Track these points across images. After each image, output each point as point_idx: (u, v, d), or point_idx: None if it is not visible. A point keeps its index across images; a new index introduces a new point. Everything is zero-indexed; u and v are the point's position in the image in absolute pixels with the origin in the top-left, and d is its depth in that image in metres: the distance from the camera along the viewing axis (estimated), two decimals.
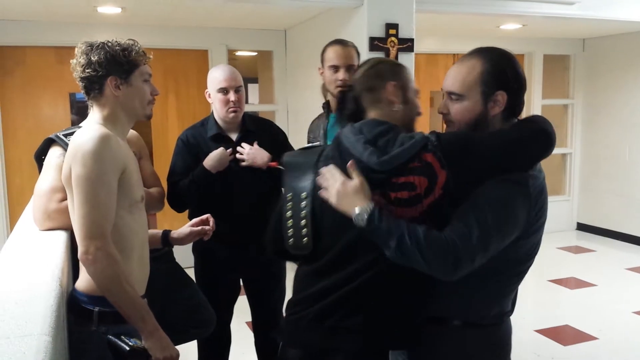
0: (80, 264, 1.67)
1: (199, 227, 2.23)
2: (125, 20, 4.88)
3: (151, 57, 1.87)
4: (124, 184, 1.70)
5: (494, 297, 1.70)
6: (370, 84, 1.72)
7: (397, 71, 1.76)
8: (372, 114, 1.71)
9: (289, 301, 1.78)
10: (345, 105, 1.76)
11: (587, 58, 7.05)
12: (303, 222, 1.64)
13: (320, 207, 1.63)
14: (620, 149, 6.65)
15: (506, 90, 1.61)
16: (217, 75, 2.66)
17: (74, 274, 1.86)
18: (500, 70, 1.63)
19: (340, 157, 1.62)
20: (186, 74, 5.54)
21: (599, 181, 6.93)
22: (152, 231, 2.15)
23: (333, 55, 2.59)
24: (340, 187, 1.55)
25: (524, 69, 6.43)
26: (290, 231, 1.66)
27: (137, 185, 1.78)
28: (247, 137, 2.73)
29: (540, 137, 1.61)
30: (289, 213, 1.67)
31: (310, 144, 1.77)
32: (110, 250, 1.61)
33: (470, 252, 1.47)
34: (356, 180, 1.55)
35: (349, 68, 2.54)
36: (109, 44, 1.76)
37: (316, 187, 1.62)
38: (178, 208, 2.76)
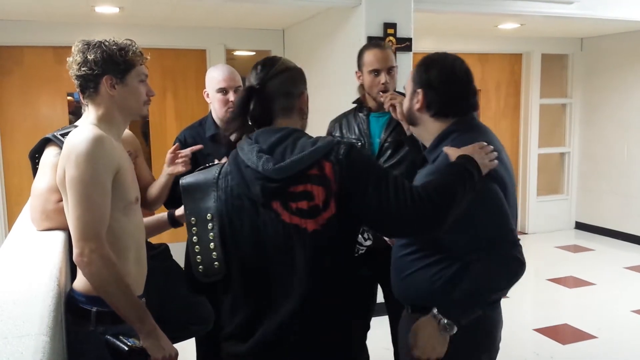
0: None
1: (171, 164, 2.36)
2: (123, 20, 4.87)
3: (148, 57, 1.87)
4: (118, 185, 1.68)
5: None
6: (286, 89, 1.57)
7: (305, 79, 1.65)
8: (280, 122, 1.56)
9: (223, 334, 1.61)
10: (246, 108, 1.56)
11: (585, 57, 7.05)
12: (212, 245, 1.51)
13: (231, 226, 1.50)
14: (619, 148, 6.66)
15: (425, 88, 1.78)
16: (215, 75, 2.64)
17: (72, 274, 1.85)
18: (423, 71, 1.80)
19: (238, 171, 1.51)
20: (184, 74, 5.53)
21: (597, 180, 6.94)
22: (156, 216, 2.17)
23: (373, 58, 2.60)
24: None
25: (521, 68, 6.37)
26: (198, 257, 1.52)
27: (131, 186, 1.77)
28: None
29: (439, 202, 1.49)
30: (194, 238, 1.53)
31: (204, 166, 1.66)
32: (105, 252, 1.60)
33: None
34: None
35: (390, 70, 2.59)
36: (106, 43, 1.76)
37: (225, 205, 1.51)
38: (174, 208, 2.74)
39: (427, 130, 1.83)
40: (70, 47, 1.79)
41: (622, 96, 6.59)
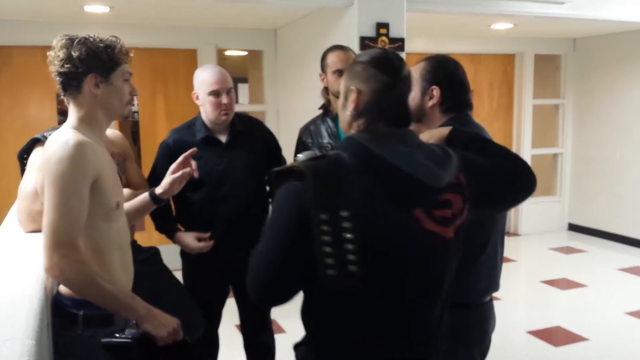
0: None
1: (179, 173, 2.14)
2: (113, 20, 4.82)
3: (132, 54, 1.82)
4: (97, 192, 1.63)
5: (465, 277, 1.76)
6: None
7: None
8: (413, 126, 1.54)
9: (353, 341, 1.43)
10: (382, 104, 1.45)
11: (578, 58, 7.05)
12: (349, 246, 1.31)
13: (367, 229, 1.33)
14: (612, 149, 6.65)
15: (441, 86, 1.89)
16: (206, 77, 2.59)
17: None
18: (435, 70, 1.91)
19: (376, 170, 1.36)
20: (175, 74, 5.48)
21: (590, 181, 6.94)
22: (138, 199, 2.13)
23: (336, 59, 2.66)
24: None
25: (514, 69, 6.41)
26: (329, 260, 1.31)
27: (112, 192, 1.71)
28: (237, 138, 2.68)
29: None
30: (325, 237, 1.32)
31: (310, 152, 1.47)
32: (76, 256, 1.54)
33: None
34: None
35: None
36: (91, 39, 1.69)
37: (362, 205, 1.33)
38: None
39: (433, 125, 1.91)
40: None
41: (615, 97, 6.58)
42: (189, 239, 2.64)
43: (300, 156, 1.43)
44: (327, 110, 2.74)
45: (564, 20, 5.27)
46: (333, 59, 2.68)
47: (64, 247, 1.52)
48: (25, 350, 1.25)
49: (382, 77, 1.42)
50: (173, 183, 2.13)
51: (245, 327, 2.94)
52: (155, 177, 2.63)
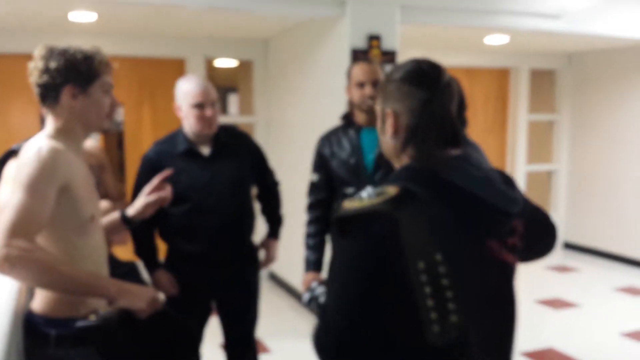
0: None
1: (154, 196, 2.07)
2: (99, 29, 4.72)
3: (115, 66, 1.78)
4: (68, 202, 1.60)
5: None
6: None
7: None
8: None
9: None
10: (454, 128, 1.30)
11: (573, 73, 6.99)
12: (449, 293, 1.15)
13: (455, 270, 1.18)
14: (608, 165, 6.57)
15: None
16: (190, 89, 2.51)
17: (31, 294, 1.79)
18: None
19: (452, 199, 1.20)
20: (162, 84, 5.36)
21: (586, 198, 6.84)
22: (109, 217, 2.07)
23: (359, 72, 2.58)
24: None
25: (508, 84, 6.35)
26: (433, 315, 1.14)
27: (86, 204, 1.67)
28: (220, 150, 2.60)
29: None
30: (427, 289, 1.14)
31: (371, 190, 1.22)
32: (23, 246, 1.45)
33: None
34: None
35: (375, 83, 2.53)
36: (71, 50, 1.67)
37: (447, 243, 1.18)
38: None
39: None
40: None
41: (611, 112, 6.51)
42: (167, 281, 2.60)
43: (365, 195, 1.20)
44: (351, 122, 2.64)
45: (559, 35, 5.20)
46: (356, 71, 2.59)
47: (17, 241, 1.45)
48: None
49: (418, 93, 1.26)
50: (146, 206, 2.07)
51: (229, 346, 2.83)
52: (138, 191, 2.54)
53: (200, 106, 2.48)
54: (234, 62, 5.92)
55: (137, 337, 1.65)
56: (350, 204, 1.20)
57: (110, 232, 2.07)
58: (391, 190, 1.17)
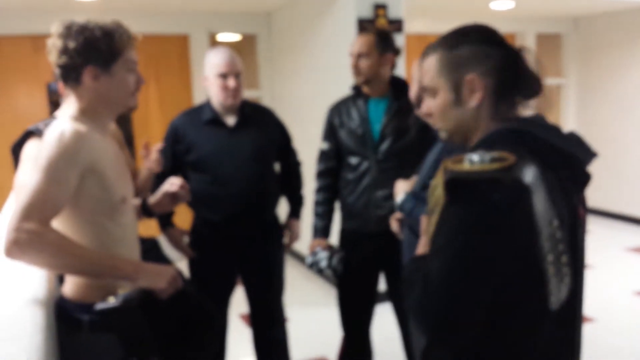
0: None
1: (175, 187, 2.08)
2: (102, 7, 4.70)
3: (139, 39, 1.68)
4: (95, 185, 1.55)
5: None
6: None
7: None
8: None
9: None
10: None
11: (579, 37, 6.93)
12: (564, 258, 1.13)
13: (564, 238, 1.15)
14: (615, 129, 6.55)
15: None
16: (216, 60, 2.54)
17: (61, 278, 1.76)
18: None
19: (554, 167, 1.16)
20: (167, 61, 5.38)
21: (595, 161, 6.80)
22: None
23: (355, 43, 2.59)
24: None
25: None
26: (554, 280, 1.12)
27: (116, 185, 1.61)
28: (244, 123, 2.63)
29: None
30: (550, 257, 1.11)
31: (481, 154, 1.12)
32: (34, 229, 1.40)
33: None
34: None
35: (358, 56, 2.55)
36: (89, 27, 1.57)
37: (557, 212, 1.13)
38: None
39: None
40: (49, 37, 1.62)
41: (617, 76, 6.47)
42: (179, 236, 2.63)
43: (476, 159, 1.10)
44: (360, 92, 2.65)
45: None
46: (354, 43, 2.61)
47: (28, 224, 1.40)
48: (33, 347, 1.24)
49: (495, 50, 1.22)
50: (164, 197, 2.08)
51: (256, 321, 2.82)
52: (164, 159, 2.62)
53: (224, 76, 2.51)
54: (237, 36, 5.89)
55: (158, 317, 1.59)
56: (460, 166, 1.10)
57: None
58: (509, 156, 1.09)
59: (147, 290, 1.55)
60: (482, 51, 1.22)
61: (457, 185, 1.10)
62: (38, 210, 1.43)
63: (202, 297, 1.86)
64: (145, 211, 2.09)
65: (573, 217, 1.18)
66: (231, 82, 2.51)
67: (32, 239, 1.40)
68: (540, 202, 1.08)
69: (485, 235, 1.07)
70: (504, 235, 1.07)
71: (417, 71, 2.15)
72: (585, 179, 1.22)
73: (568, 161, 1.17)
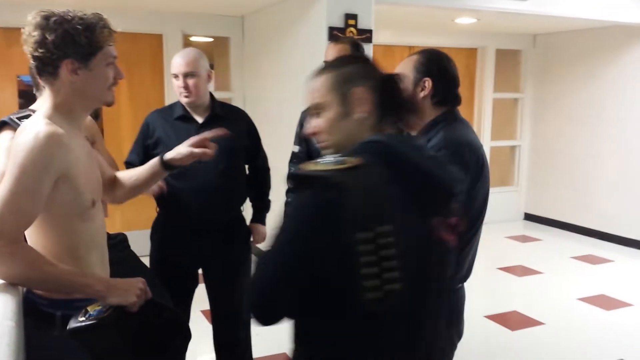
0: None
1: (200, 150, 1.95)
2: (76, 3, 4.70)
3: (118, 30, 1.62)
4: (68, 189, 1.51)
5: (467, 261, 1.94)
6: None
7: None
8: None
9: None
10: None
11: (537, 53, 7.25)
12: (392, 263, 1.19)
13: (400, 242, 1.21)
14: (567, 142, 6.88)
15: (433, 78, 1.92)
16: (173, 61, 2.67)
17: None
18: (429, 62, 1.95)
19: (404, 175, 1.24)
20: (140, 59, 5.41)
21: (546, 173, 7.17)
22: (147, 167, 1.97)
23: (327, 52, 2.73)
24: None
25: (476, 63, 6.54)
26: (372, 282, 1.18)
27: (86, 189, 1.57)
28: (213, 120, 2.67)
29: None
30: (371, 258, 1.17)
31: (332, 157, 1.26)
32: (11, 249, 1.41)
33: None
34: None
35: None
36: (69, 18, 1.49)
37: (395, 217, 1.21)
38: None
39: (422, 117, 1.96)
40: (21, 29, 1.53)
41: (572, 92, 6.80)
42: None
43: (324, 161, 1.24)
44: None
45: (525, 16, 5.41)
46: (327, 52, 2.75)
47: (3, 239, 1.39)
48: (5, 331, 1.22)
49: (377, 71, 1.37)
50: (190, 155, 1.95)
51: (217, 318, 2.84)
52: (133, 151, 2.75)
53: (175, 76, 2.63)
54: (210, 38, 5.97)
55: (129, 329, 1.54)
56: (308, 166, 1.25)
57: (151, 180, 2.00)
58: (351, 160, 1.20)
59: (117, 306, 1.50)
60: (366, 69, 1.36)
61: (297, 179, 1.30)
62: (10, 224, 1.41)
63: (169, 306, 1.83)
64: (165, 166, 1.97)
65: (424, 231, 1.26)
66: (182, 82, 2.60)
67: (4, 255, 1.39)
68: (367, 206, 1.17)
69: (308, 224, 1.20)
70: (323, 227, 1.17)
71: None
72: (444, 200, 1.31)
73: (425, 179, 1.26)
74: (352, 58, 1.43)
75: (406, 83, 1.90)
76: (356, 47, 2.76)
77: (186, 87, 2.61)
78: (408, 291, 1.22)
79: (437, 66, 1.95)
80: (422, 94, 1.94)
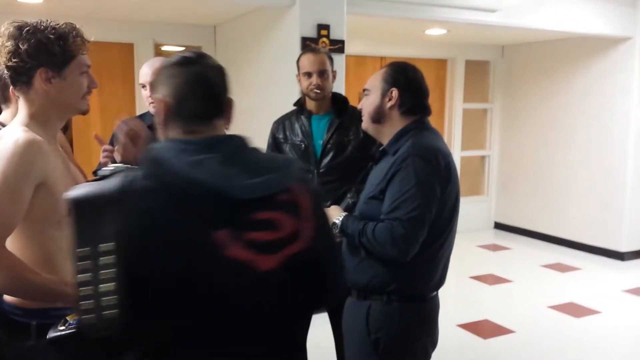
0: None
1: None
2: (47, 11, 4.64)
3: (91, 39, 1.66)
4: (45, 197, 1.51)
5: (424, 269, 1.96)
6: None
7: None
8: (219, 124, 1.28)
9: None
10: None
11: (505, 64, 7.39)
12: (111, 286, 1.09)
13: (143, 264, 1.09)
14: (535, 151, 7.01)
15: (400, 88, 1.97)
16: (141, 70, 2.71)
17: None
18: (398, 73, 2.00)
19: (166, 185, 1.11)
20: (110, 68, 5.34)
21: (515, 182, 7.29)
22: None
23: (306, 62, 2.73)
24: None
25: (446, 74, 6.63)
26: (88, 303, 1.10)
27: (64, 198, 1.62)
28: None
29: None
30: (86, 276, 1.09)
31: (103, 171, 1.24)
32: None
33: (409, 227, 1.81)
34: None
35: (322, 73, 2.70)
36: (42, 28, 1.52)
37: (138, 233, 1.09)
38: None
39: (392, 126, 2.00)
40: None
41: (540, 102, 6.94)
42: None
43: (106, 170, 1.22)
44: (303, 108, 2.78)
45: (493, 28, 5.51)
46: (303, 61, 2.75)
47: None
48: None
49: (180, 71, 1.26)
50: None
51: None
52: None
53: (144, 87, 2.64)
54: (181, 47, 5.93)
55: (109, 338, 1.46)
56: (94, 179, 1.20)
57: None
58: (127, 177, 1.13)
59: None
60: (172, 72, 1.25)
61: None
62: None
63: None
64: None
65: (210, 250, 1.11)
66: (149, 92, 2.60)
67: None
68: (89, 221, 1.09)
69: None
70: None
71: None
72: (228, 210, 1.13)
73: (189, 187, 1.11)
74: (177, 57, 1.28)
75: (375, 94, 2.01)
76: (330, 57, 2.79)
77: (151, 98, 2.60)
78: (148, 322, 1.09)
79: (404, 77, 2.00)
80: (389, 104, 1.99)
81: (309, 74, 2.70)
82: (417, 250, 1.87)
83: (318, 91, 2.70)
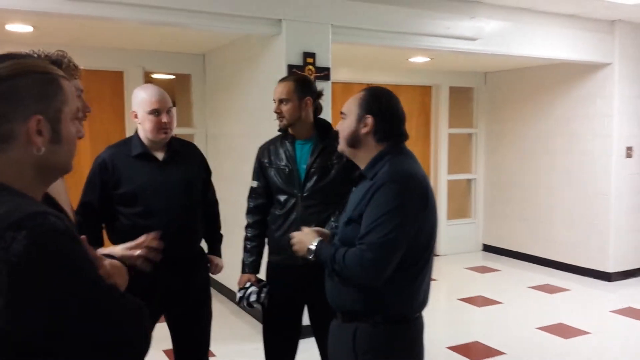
0: None
1: (137, 252, 1.96)
2: (36, 40, 4.71)
3: (81, 67, 1.72)
4: None
5: (407, 291, 1.95)
6: None
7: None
8: None
9: None
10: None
11: (488, 90, 7.54)
12: None
13: None
14: (520, 174, 7.12)
15: (374, 115, 1.97)
16: (146, 97, 2.61)
17: None
18: (372, 100, 2.00)
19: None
20: (100, 96, 5.40)
21: (502, 205, 7.38)
22: None
23: (274, 90, 2.78)
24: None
25: (430, 100, 6.81)
26: None
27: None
28: (173, 157, 2.70)
29: None
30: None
31: None
32: None
33: (378, 252, 1.82)
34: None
35: (282, 101, 2.73)
36: (34, 57, 1.50)
37: None
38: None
39: (368, 151, 2.01)
40: None
41: (523, 126, 7.08)
42: (117, 248, 2.54)
43: None
44: (287, 134, 2.82)
45: (475, 55, 5.64)
46: (275, 90, 2.79)
47: None
48: None
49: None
50: (134, 257, 1.98)
51: (180, 356, 2.80)
52: (90, 191, 2.65)
53: (156, 112, 2.59)
54: (172, 75, 6.02)
55: None
56: None
57: None
58: None
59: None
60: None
61: None
62: None
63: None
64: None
65: None
66: (164, 118, 2.59)
67: None
68: None
69: None
70: None
71: None
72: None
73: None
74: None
75: (350, 119, 2.02)
76: (301, 83, 2.77)
77: (169, 122, 2.62)
78: None
79: (378, 104, 1.99)
80: (364, 130, 1.99)
81: (275, 101, 2.76)
82: (398, 274, 1.87)
83: (278, 119, 2.75)
